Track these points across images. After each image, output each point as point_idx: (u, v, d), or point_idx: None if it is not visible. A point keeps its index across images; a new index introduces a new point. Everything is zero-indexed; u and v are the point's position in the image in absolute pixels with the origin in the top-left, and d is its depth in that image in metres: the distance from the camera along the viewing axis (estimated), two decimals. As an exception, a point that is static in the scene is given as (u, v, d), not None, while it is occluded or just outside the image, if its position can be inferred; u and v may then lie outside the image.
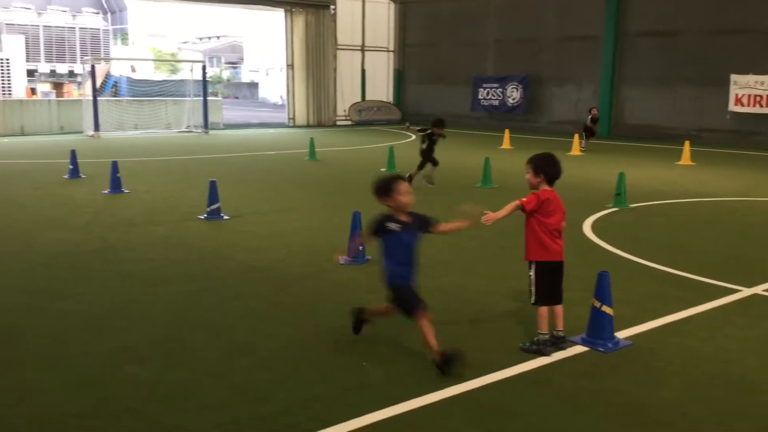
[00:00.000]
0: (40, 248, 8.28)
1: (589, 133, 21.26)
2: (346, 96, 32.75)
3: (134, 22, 77.72)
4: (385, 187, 4.95)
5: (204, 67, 28.18)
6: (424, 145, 13.43)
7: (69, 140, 22.10)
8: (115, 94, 29.81)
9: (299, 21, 30.90)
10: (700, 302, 6.34)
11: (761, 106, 22.48)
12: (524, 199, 5.20)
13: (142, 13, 77.10)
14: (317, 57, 31.28)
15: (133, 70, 43.18)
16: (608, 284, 5.20)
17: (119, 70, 40.02)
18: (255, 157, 18.85)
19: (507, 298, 6.50)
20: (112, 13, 69.30)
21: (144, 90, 29.41)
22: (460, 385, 4.54)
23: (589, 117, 21.54)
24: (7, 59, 29.35)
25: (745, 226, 10.16)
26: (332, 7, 31.51)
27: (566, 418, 4.17)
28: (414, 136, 13.57)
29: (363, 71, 33.58)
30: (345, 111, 32.76)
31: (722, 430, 4.06)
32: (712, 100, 23.97)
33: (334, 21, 31.73)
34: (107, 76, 31.27)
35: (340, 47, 32.28)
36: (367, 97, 33.73)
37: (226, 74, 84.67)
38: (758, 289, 6.79)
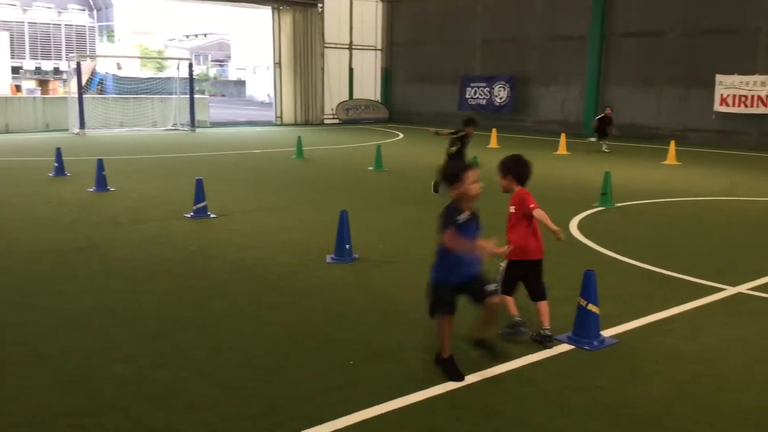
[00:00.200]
0: (24, 246, 8.22)
1: (601, 133, 20.62)
2: (334, 94, 32.74)
3: (120, 19, 77.34)
4: (455, 173, 4.65)
5: (191, 65, 28.09)
6: (454, 149, 12.06)
7: (54, 138, 21.94)
8: (101, 91, 29.63)
9: (287, 19, 30.85)
10: (685, 301, 6.39)
11: (746, 106, 22.67)
12: (531, 205, 5.46)
13: (129, 10, 76.70)
14: (305, 55, 31.25)
15: (119, 68, 42.98)
16: (594, 283, 5.23)
17: (105, 67, 39.82)
18: (242, 155, 18.80)
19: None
20: (98, 9, 68.88)
21: (130, 87, 29.27)
22: (446, 383, 4.56)
23: (601, 116, 20.87)
24: (-8, 56, 29.14)
25: (729, 226, 10.25)
26: (320, 5, 31.48)
27: (551, 416, 4.19)
28: (434, 135, 13.40)
29: (351, 70, 33.57)
30: (332, 109, 32.75)
31: (706, 428, 4.10)
32: (697, 101, 24.15)
33: (322, 19, 31.70)
34: (93, 73, 31.08)
35: (327, 45, 32.26)
36: (355, 96, 33.73)
37: (213, 72, 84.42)
38: (742, 288, 6.85)
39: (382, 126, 30.91)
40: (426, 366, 4.86)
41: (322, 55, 32.00)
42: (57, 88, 30.75)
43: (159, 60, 71.26)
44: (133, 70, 57.92)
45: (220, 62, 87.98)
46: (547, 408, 4.29)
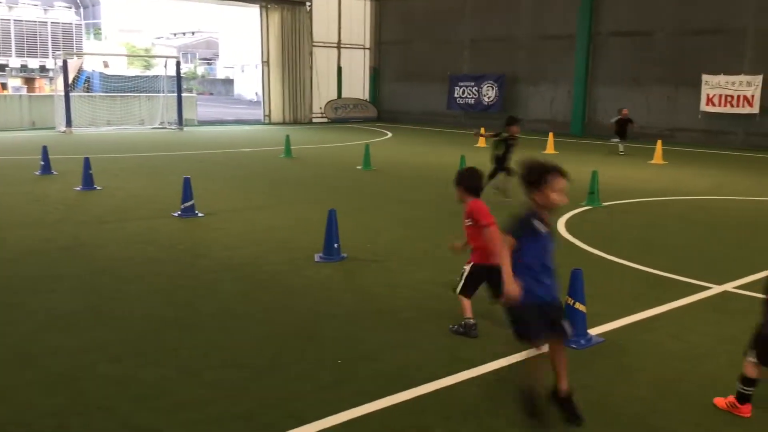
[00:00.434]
0: (10, 245, 8.16)
1: (622, 134, 19.95)
2: (322, 93, 32.69)
3: (107, 16, 76.89)
4: (539, 175, 3.95)
5: (178, 63, 27.97)
6: (500, 151, 11.65)
7: (40, 136, 21.79)
8: (88, 89, 29.52)
9: (275, 17, 30.77)
10: (672, 299, 6.43)
11: (732, 106, 22.82)
12: (484, 222, 5.36)
13: (116, 8, 76.29)
14: (293, 54, 31.18)
15: (106, 66, 42.75)
16: (581, 282, 5.25)
17: (92, 65, 39.61)
18: (230, 154, 18.74)
19: (478, 295, 6.51)
20: (85, 7, 68.43)
21: (117, 86, 29.18)
22: (433, 382, 4.56)
23: (618, 117, 20.26)
24: (-23, 54, 28.90)
25: (716, 224, 10.32)
26: (308, 3, 31.43)
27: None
28: (477, 136, 12.73)
29: (339, 68, 33.54)
30: (321, 108, 32.70)
31: (692, 426, 4.12)
32: (684, 100, 24.29)
33: (310, 18, 31.65)
34: (80, 71, 30.93)
35: (316, 44, 32.21)
36: (344, 95, 33.70)
37: (200, 70, 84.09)
38: (728, 287, 6.90)
39: (371, 125, 30.91)
40: (414, 365, 4.86)
41: (311, 53, 31.95)
42: (43, 86, 30.57)
43: (146, 58, 70.94)
44: (120, 68, 57.63)
45: (208, 60, 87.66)
46: (535, 406, 4.30)
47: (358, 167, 15.78)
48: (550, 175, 3.96)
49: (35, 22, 49.17)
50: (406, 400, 4.33)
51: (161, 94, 27.56)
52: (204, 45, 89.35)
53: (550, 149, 20.38)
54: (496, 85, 29.43)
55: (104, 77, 32.03)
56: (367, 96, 34.81)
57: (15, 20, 48.25)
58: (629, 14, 25.46)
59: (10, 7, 48.41)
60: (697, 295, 6.63)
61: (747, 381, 4.19)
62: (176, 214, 9.96)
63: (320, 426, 3.98)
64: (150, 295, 6.41)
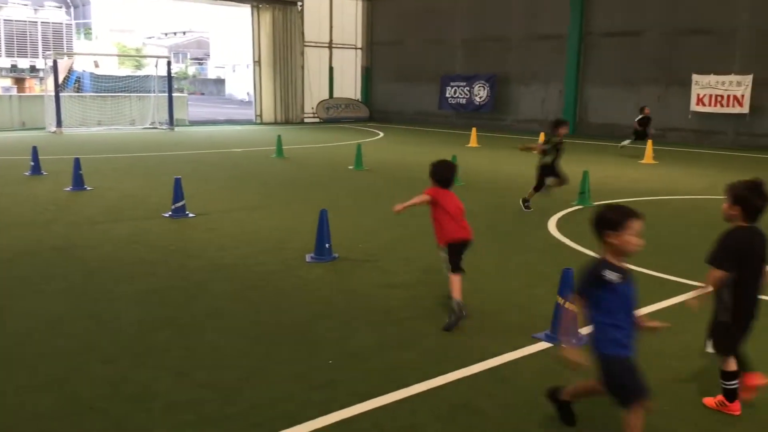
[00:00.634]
0: (0, 246, 8.13)
1: (642, 135, 19.43)
2: (314, 93, 32.67)
3: (98, 16, 76.60)
4: (617, 219, 3.74)
5: (169, 63, 27.90)
6: (549, 158, 10.82)
7: (30, 136, 21.70)
8: (78, 89, 29.40)
9: (266, 17, 30.73)
10: (663, 298, 6.46)
11: (722, 105, 22.94)
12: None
13: (106, 8, 76.01)
14: (285, 54, 31.15)
15: (97, 66, 42.59)
16: (572, 281, 5.26)
17: (82, 65, 39.46)
18: (221, 154, 18.71)
19: (469, 295, 6.54)
20: (75, 7, 68.18)
21: (108, 86, 29.05)
22: (425, 382, 4.58)
23: (640, 117, 19.74)
24: (-33, 53, 28.76)
25: (706, 224, 10.36)
26: (299, 3, 31.40)
27: (529, 414, 4.22)
28: (524, 152, 12.02)
29: (331, 69, 33.53)
30: (313, 108, 32.69)
31: (688, 424, 4.15)
32: (674, 100, 24.40)
33: (302, 17, 31.62)
34: (70, 71, 30.81)
35: (307, 44, 32.19)
36: (335, 95, 33.69)
37: (191, 70, 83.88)
38: (717, 286, 6.93)
39: (363, 125, 30.91)
40: (405, 364, 4.88)
41: (302, 53, 31.92)
42: (33, 86, 30.43)
43: (137, 58, 70.71)
44: (111, 68, 57.42)
45: (199, 60, 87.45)
46: (524, 405, 4.33)
47: (350, 167, 15.78)
48: (630, 217, 3.74)
49: (25, 21, 48.92)
50: (397, 399, 4.35)
51: (152, 94, 27.48)
52: (195, 45, 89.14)
53: (541, 149, 20.41)
54: (487, 85, 29.49)
55: (95, 77, 31.88)
56: (358, 96, 34.81)
57: (5, 20, 47.98)
58: (620, 14, 25.56)
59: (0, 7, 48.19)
60: (689, 294, 6.65)
61: (728, 375, 4.23)
62: (167, 215, 9.95)
63: (312, 426, 3.99)
64: (142, 295, 6.40)
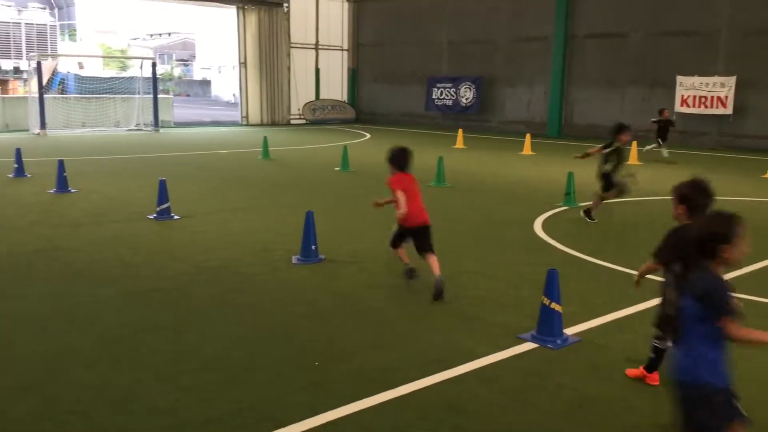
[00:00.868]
0: (-18, 249, 8.04)
1: (663, 137, 18.71)
2: (300, 95, 32.59)
3: (82, 17, 76.14)
4: (728, 230, 3.28)
5: (154, 64, 27.73)
6: (609, 166, 10.26)
7: (14, 138, 21.50)
8: (63, 91, 29.11)
9: (252, 18, 30.63)
10: (647, 299, 6.47)
11: (706, 107, 23.09)
12: (392, 186, 6.63)
13: (91, 9, 75.56)
14: (271, 55, 31.05)
15: (81, 67, 42.32)
16: (557, 282, 5.28)
17: (66, 66, 39.16)
18: (207, 156, 18.62)
19: (455, 296, 6.54)
20: (59, 8, 67.72)
21: (92, 87, 28.78)
22: (411, 383, 4.56)
23: (658, 119, 19.02)
24: (-51, 55, 28.46)
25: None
26: (285, 4, 31.32)
27: (515, 414, 4.22)
28: (583, 159, 11.13)
29: (317, 70, 33.47)
30: (299, 110, 32.61)
31: (667, 425, 4.16)
32: (659, 101, 24.50)
33: (288, 19, 31.54)
34: (54, 72, 30.54)
35: (293, 45, 32.11)
36: (322, 96, 33.63)
37: (177, 71, 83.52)
38: (701, 286, 6.96)
39: (349, 126, 30.88)
40: (391, 366, 4.86)
41: (288, 55, 31.84)
42: (17, 88, 30.16)
43: (122, 59, 70.32)
44: (96, 69, 57.07)
45: (185, 61, 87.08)
46: (511, 406, 4.32)
47: (337, 169, 15.75)
48: (738, 225, 3.30)
49: (9, 23, 48.54)
50: (383, 401, 4.33)
51: (137, 96, 27.29)
52: (180, 46, 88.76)
53: (527, 150, 20.49)
54: (473, 86, 29.54)
55: (79, 79, 31.60)
56: (345, 97, 34.77)
57: (-12, 21, 47.61)
58: (605, 16, 25.69)
59: (-18, 8, 47.82)
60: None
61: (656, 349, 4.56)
62: (152, 217, 9.88)
63: (297, 429, 3.96)
64: (125, 298, 6.35)
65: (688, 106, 23.53)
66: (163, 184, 9.89)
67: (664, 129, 18.87)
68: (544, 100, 27.63)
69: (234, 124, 31.51)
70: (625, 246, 8.82)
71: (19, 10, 50.54)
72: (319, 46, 33.47)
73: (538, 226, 9.80)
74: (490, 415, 4.20)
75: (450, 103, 30.44)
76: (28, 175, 13.68)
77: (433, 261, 6.50)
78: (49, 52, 46.75)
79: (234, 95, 47.14)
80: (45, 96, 24.49)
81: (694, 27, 23.46)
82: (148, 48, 79.43)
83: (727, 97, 22.60)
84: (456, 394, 4.46)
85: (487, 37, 29.39)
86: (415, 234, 6.66)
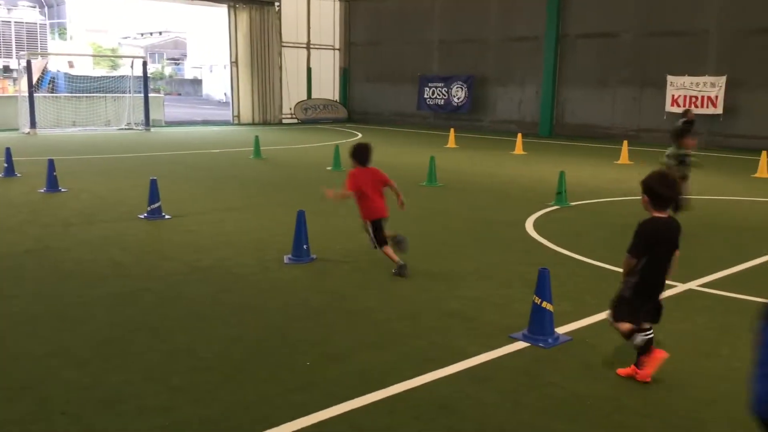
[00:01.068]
0: (-29, 249, 7.99)
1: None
2: (292, 94, 32.54)
3: (73, 16, 75.81)
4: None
5: (145, 63, 27.63)
6: (683, 172, 9.75)
7: (4, 137, 21.38)
8: (53, 90, 29.02)
9: (243, 17, 30.57)
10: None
11: (696, 106, 23.19)
12: (348, 187, 7.18)
13: (81, 7, 75.23)
14: (262, 54, 30.99)
15: (71, 66, 42.13)
16: (548, 281, 5.29)
17: (57, 65, 39.01)
18: (198, 155, 18.58)
19: (447, 296, 6.55)
20: (50, 7, 67.41)
21: (83, 86, 28.68)
22: (403, 383, 4.56)
23: (684, 119, 19.26)
24: (-62, 53, 28.30)
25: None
26: (277, 3, 31.27)
27: (507, 413, 4.23)
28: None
29: (309, 69, 33.43)
30: (291, 109, 32.56)
31: (657, 423, 4.18)
32: (649, 101, 24.65)
33: (279, 18, 31.50)
34: (44, 71, 30.42)
35: (285, 44, 32.06)
36: (313, 96, 33.59)
37: (168, 70, 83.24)
38: (693, 285, 7.01)
39: (341, 126, 30.86)
40: (383, 365, 4.86)
41: (280, 54, 31.80)
42: (7, 87, 30.03)
43: (113, 58, 70.05)
44: (86, 68, 56.85)
45: (176, 60, 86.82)
46: (502, 405, 4.33)
47: (328, 168, 15.74)
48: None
49: (-2, 21, 48.29)
50: (375, 401, 4.33)
51: (128, 95, 27.19)
52: (171, 45, 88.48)
53: (518, 150, 20.53)
54: (465, 86, 29.58)
55: (69, 77, 31.45)
56: (337, 97, 34.75)
57: (-23, 19, 47.34)
58: (595, 16, 25.77)
59: (-29, 7, 47.54)
60: (663, 293, 6.70)
61: (629, 334, 4.69)
62: (143, 216, 9.85)
63: (289, 429, 3.96)
64: (116, 298, 6.32)
65: (678, 105, 23.61)
66: (154, 184, 9.86)
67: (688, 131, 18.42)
68: (535, 100, 27.69)
69: (225, 123, 31.43)
70: (616, 245, 8.82)
71: (8, 9, 50.28)
72: (311, 46, 33.44)
73: (529, 226, 9.82)
74: (481, 415, 4.21)
75: (442, 102, 30.46)
76: (18, 175, 13.61)
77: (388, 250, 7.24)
78: (39, 50, 46.52)
79: (225, 94, 47.02)
80: (35, 95, 24.37)
81: (684, 27, 23.56)
82: (139, 47, 79.12)
83: (717, 96, 22.72)
84: (448, 394, 4.47)
85: (478, 37, 29.43)
86: (376, 224, 7.28)
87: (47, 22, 59.27)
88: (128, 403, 4.24)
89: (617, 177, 15.47)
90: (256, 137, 18.53)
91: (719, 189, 14.01)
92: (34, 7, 56.06)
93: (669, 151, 10.10)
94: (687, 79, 23.28)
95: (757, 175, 15.92)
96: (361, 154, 7.39)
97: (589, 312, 6.06)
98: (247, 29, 30.57)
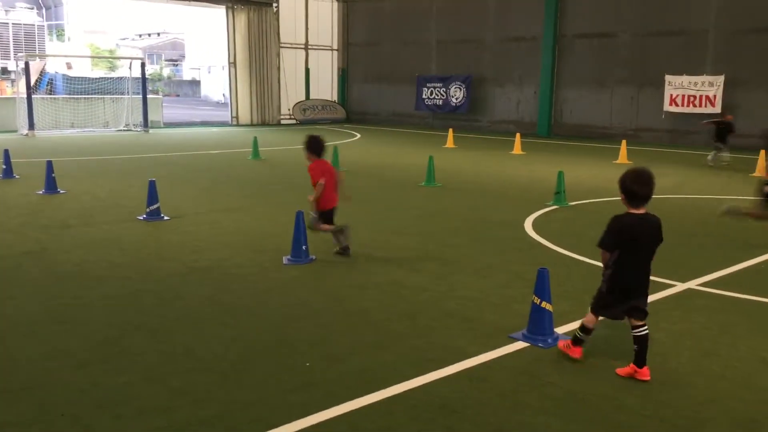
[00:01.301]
0: (-30, 251, 7.98)
1: (722, 140, 17.62)
2: (290, 95, 32.54)
3: (71, 17, 75.79)
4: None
5: (143, 65, 27.62)
6: None
7: (2, 139, 21.37)
8: (51, 91, 28.97)
9: (241, 18, 30.56)
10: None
11: (694, 106, 23.22)
12: (315, 180, 7.71)
13: (79, 9, 75.21)
14: (260, 55, 30.99)
15: (70, 67, 42.10)
16: (547, 281, 5.29)
17: (55, 67, 38.99)
18: (197, 156, 18.57)
19: (446, 296, 6.55)
20: (47, 8, 67.40)
21: (81, 87, 28.64)
22: (402, 383, 4.56)
23: (718, 120, 18.10)
24: (-64, 55, 28.27)
25: (678, 222, 10.47)
26: (275, 4, 31.27)
27: (506, 413, 4.23)
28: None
29: (307, 70, 33.43)
30: (289, 110, 32.57)
31: (657, 422, 4.18)
32: (647, 101, 24.66)
33: (277, 19, 31.50)
34: (42, 73, 30.39)
35: (283, 45, 32.06)
36: (312, 96, 33.60)
37: (166, 72, 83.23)
38: (692, 284, 7.01)
39: (339, 126, 30.86)
40: (382, 366, 4.86)
41: (278, 54, 31.79)
42: (5, 89, 30.00)
43: (111, 59, 70.03)
44: (84, 69, 56.83)
45: (174, 62, 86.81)
46: (502, 405, 4.33)
47: (327, 169, 15.72)
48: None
49: (-4, 23, 48.25)
50: (374, 401, 4.33)
51: (126, 96, 27.18)
52: (170, 46, 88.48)
53: (517, 150, 20.54)
54: (463, 86, 29.58)
55: (67, 79, 31.42)
56: (335, 97, 34.75)
57: (-25, 21, 47.32)
58: (593, 16, 25.78)
59: (-31, 8, 47.52)
60: (662, 292, 6.72)
61: (584, 329, 4.94)
62: (141, 218, 9.84)
63: (288, 430, 3.95)
64: (115, 300, 6.32)
65: (677, 105, 23.66)
66: (152, 185, 9.86)
67: (724, 132, 17.79)
68: (533, 100, 27.70)
69: (224, 124, 31.43)
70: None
71: (6, 10, 50.26)
72: (309, 46, 33.44)
73: (528, 225, 9.82)
74: (481, 415, 4.21)
75: (440, 102, 30.47)
76: (17, 176, 13.60)
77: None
78: (37, 52, 46.50)
79: (224, 95, 47.01)
80: (33, 96, 24.36)
81: (682, 27, 23.58)
82: (137, 48, 79.15)
83: (715, 96, 22.73)
84: (447, 394, 4.47)
85: (476, 37, 29.44)
86: (329, 214, 7.82)
87: (45, 23, 59.25)
88: (128, 405, 4.23)
89: (616, 177, 15.35)
90: (255, 138, 18.53)
91: (718, 188, 14.02)
92: (32, 8, 56.05)
93: None
94: (685, 79, 23.30)
95: (756, 174, 15.93)
96: (318, 146, 7.82)
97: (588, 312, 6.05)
98: (245, 30, 30.57)
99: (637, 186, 4.68)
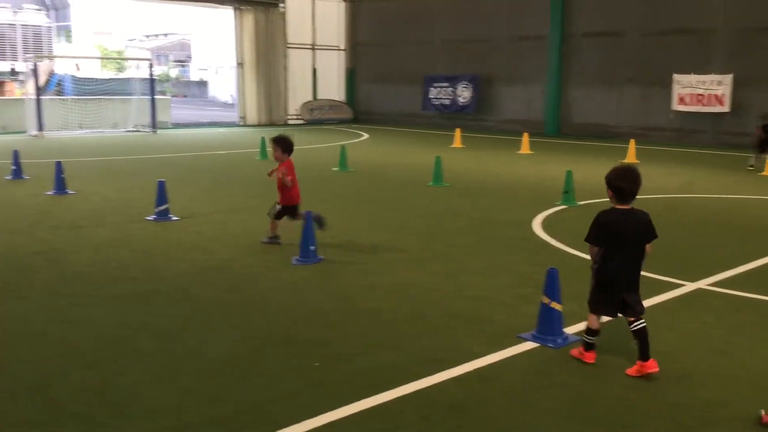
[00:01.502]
0: (-20, 252, 8.02)
1: (763, 148, 16.66)
2: (298, 95, 32.55)
3: (78, 19, 76.04)
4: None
5: (151, 65, 27.72)
6: None
7: (11, 140, 21.47)
8: (59, 93, 29.09)
9: (248, 19, 30.61)
10: (646, 297, 6.44)
11: (702, 105, 23.11)
12: (289, 177, 8.26)
13: (87, 10, 75.48)
14: (268, 55, 31.03)
15: (78, 69, 42.23)
16: (557, 281, 5.28)
17: (63, 68, 39.12)
18: (205, 156, 18.61)
19: (455, 296, 6.54)
20: (56, 9, 67.68)
21: (89, 89, 28.74)
22: (411, 383, 4.56)
23: (762, 124, 16.97)
24: (-55, 57, 28.41)
25: (688, 222, 10.44)
26: (282, 5, 31.30)
27: (516, 414, 4.22)
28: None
29: (314, 70, 33.44)
30: (296, 110, 32.58)
31: (667, 423, 4.16)
32: (655, 100, 24.56)
33: (284, 19, 31.52)
34: (51, 74, 30.52)
35: (290, 46, 32.08)
36: (319, 96, 33.60)
37: (174, 72, 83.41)
38: (702, 284, 6.98)
39: (347, 126, 30.87)
40: (391, 366, 4.86)
41: (285, 55, 31.82)
42: (14, 90, 30.10)
43: (119, 60, 70.23)
44: (93, 70, 57.00)
45: (182, 62, 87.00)
46: (511, 405, 4.32)
47: (335, 169, 15.75)
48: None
49: (4, 24, 48.45)
50: (384, 401, 4.33)
51: (134, 97, 27.26)
52: (177, 47, 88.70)
53: (525, 149, 20.50)
54: (470, 85, 29.53)
55: (76, 80, 31.54)
56: (342, 97, 34.75)
57: (-16, 23, 47.53)
58: (601, 15, 25.70)
59: (-22, 10, 47.74)
60: (672, 292, 6.70)
61: (588, 331, 4.92)
62: (150, 218, 9.87)
63: (297, 430, 3.96)
64: (124, 300, 6.34)
65: (685, 104, 23.55)
66: (161, 185, 9.89)
67: (765, 138, 16.77)
68: (541, 99, 27.63)
69: (231, 124, 31.46)
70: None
71: (14, 12, 50.47)
72: (316, 46, 33.44)
73: (537, 225, 9.80)
74: (490, 415, 4.20)
75: (447, 102, 30.42)
76: (26, 177, 13.66)
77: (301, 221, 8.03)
78: (46, 53, 46.69)
79: (231, 96, 47.10)
80: (42, 98, 24.46)
81: (690, 25, 23.48)
82: (145, 49, 79.38)
83: (724, 95, 22.61)
84: (456, 394, 4.46)
85: (483, 36, 29.39)
86: (294, 209, 8.34)
87: (53, 24, 59.50)
88: (138, 405, 4.25)
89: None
90: (262, 138, 18.54)
91: (728, 187, 13.95)
92: (40, 10, 56.29)
93: None
94: (693, 78, 23.19)
95: (765, 173, 15.85)
96: (291, 145, 8.40)
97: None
98: (252, 31, 30.61)
99: (623, 182, 4.76)
